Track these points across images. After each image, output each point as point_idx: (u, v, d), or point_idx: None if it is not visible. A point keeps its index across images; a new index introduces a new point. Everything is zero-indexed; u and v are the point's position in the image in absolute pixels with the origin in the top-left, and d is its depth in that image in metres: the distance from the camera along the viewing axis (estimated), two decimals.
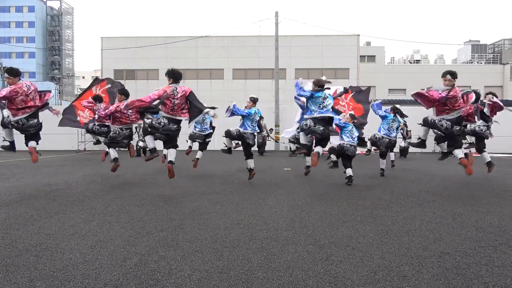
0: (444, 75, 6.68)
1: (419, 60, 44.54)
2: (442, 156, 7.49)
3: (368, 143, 9.30)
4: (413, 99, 6.98)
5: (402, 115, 9.07)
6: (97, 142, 9.78)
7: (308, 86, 8.17)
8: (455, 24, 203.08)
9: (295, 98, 8.64)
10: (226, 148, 8.60)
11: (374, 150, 9.64)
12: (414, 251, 3.62)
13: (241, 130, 8.32)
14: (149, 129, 6.88)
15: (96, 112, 8.51)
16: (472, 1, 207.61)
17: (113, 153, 8.24)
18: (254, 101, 8.61)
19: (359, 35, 32.96)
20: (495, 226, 4.59)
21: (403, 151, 16.03)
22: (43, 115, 7.64)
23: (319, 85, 7.53)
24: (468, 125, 7.84)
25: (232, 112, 8.16)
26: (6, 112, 6.81)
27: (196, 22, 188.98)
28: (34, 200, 6.07)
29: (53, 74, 68.04)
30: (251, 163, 8.24)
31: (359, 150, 9.92)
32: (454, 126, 6.67)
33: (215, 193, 6.81)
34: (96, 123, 8.92)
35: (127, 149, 8.93)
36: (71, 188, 7.33)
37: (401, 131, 16.40)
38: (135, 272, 3.07)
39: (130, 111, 7.47)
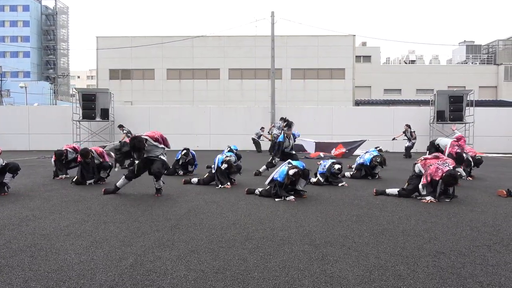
0: None
1: (414, 61, 44.63)
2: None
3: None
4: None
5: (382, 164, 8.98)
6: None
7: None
8: (450, 25, 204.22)
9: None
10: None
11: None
12: (409, 250, 3.64)
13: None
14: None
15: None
16: (467, 2, 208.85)
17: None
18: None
19: (354, 35, 32.98)
20: (489, 225, 4.62)
21: (407, 150, 16.02)
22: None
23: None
24: None
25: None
26: None
27: (192, 22, 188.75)
28: (29, 200, 6.03)
29: (48, 74, 67.69)
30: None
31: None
32: None
33: (210, 193, 6.80)
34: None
35: None
36: (66, 188, 7.29)
37: (406, 132, 16.32)
38: (131, 272, 3.06)
39: None
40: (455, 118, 19.07)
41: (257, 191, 6.63)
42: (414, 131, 16.33)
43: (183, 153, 9.42)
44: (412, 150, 16.39)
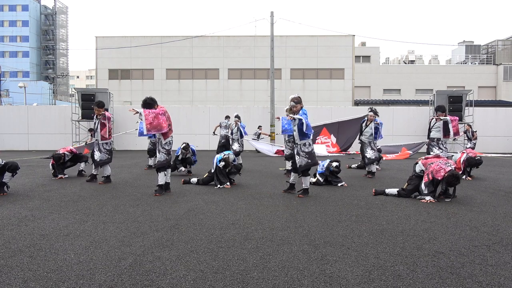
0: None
1: (414, 61, 44.62)
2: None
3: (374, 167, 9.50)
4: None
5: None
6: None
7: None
8: (449, 25, 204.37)
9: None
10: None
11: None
12: (408, 250, 3.64)
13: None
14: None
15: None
16: (467, 2, 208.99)
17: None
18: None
19: (354, 35, 32.96)
20: (488, 225, 4.62)
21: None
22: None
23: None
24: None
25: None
26: None
27: (192, 22, 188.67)
28: (28, 201, 6.03)
29: (47, 74, 67.57)
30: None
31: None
32: None
33: (210, 193, 6.80)
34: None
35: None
36: (65, 188, 7.28)
37: (467, 132, 15.99)
38: (130, 272, 3.06)
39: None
40: None
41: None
42: (475, 131, 15.85)
43: (182, 146, 9.43)
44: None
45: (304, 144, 6.43)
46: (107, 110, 8.63)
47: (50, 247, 3.67)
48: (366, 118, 9.81)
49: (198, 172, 9.71)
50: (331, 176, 7.93)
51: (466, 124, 16.49)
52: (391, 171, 10.63)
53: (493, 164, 13.11)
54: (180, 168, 9.39)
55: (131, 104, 30.96)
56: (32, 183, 8.00)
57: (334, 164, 7.92)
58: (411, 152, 15.90)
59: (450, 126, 8.78)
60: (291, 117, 6.36)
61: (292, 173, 6.86)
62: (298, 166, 6.44)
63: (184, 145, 9.42)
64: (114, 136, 9.71)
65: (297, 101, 6.35)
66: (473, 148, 15.48)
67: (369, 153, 9.49)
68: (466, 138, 15.93)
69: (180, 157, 9.46)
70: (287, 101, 6.90)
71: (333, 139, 17.04)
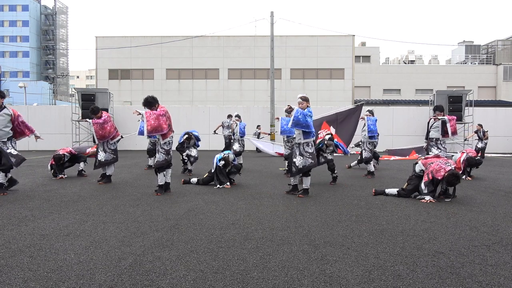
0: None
1: (414, 61, 44.61)
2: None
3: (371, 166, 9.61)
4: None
5: None
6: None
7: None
8: (449, 25, 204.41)
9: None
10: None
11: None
12: (408, 250, 3.64)
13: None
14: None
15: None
16: (467, 2, 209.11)
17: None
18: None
19: (354, 35, 32.92)
20: (488, 225, 4.63)
21: (482, 151, 15.60)
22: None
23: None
24: None
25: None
26: None
27: (192, 22, 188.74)
28: (28, 201, 6.03)
29: (47, 74, 67.56)
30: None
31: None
32: None
33: (210, 193, 6.80)
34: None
35: None
36: (65, 188, 7.28)
37: (478, 132, 15.96)
38: (130, 272, 3.06)
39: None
40: None
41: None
42: (487, 131, 15.79)
43: (185, 137, 9.55)
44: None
45: (307, 144, 6.48)
46: (106, 110, 8.71)
47: (50, 247, 3.67)
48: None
49: (198, 172, 9.71)
50: (321, 151, 8.13)
51: (477, 124, 16.44)
52: (391, 171, 10.64)
53: (493, 164, 13.12)
54: (184, 157, 9.58)
55: (131, 104, 30.96)
56: (32, 183, 8.00)
57: (327, 137, 8.24)
58: (420, 155, 16.05)
59: (448, 125, 8.80)
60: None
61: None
62: (301, 167, 6.43)
63: (186, 136, 9.54)
64: (124, 136, 9.71)
65: (304, 99, 6.57)
66: (484, 148, 15.39)
67: (363, 153, 9.89)
68: (477, 138, 15.87)
69: (185, 145, 9.61)
70: (287, 101, 7.01)
71: (333, 130, 17.14)
